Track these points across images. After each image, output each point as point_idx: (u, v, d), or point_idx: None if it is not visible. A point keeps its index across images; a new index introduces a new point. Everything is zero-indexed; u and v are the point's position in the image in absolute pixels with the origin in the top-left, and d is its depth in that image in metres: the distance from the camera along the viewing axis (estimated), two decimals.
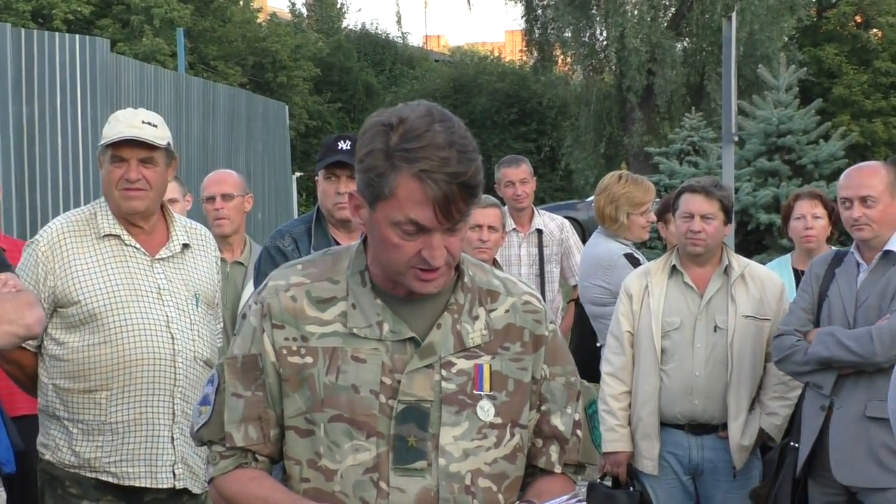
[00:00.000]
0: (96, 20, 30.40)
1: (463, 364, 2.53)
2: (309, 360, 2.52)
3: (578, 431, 2.71)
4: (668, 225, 6.49)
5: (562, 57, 35.32)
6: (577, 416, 2.70)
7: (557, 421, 2.66)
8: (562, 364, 2.69)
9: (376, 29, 46.62)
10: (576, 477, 2.75)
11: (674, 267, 5.32)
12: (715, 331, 5.20)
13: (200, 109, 14.26)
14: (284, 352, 2.53)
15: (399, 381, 2.48)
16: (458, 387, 2.52)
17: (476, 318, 2.57)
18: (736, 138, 9.87)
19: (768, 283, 5.31)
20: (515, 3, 34.90)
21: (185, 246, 4.41)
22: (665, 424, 5.27)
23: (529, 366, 2.61)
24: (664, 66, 30.70)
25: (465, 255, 2.62)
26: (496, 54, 48.79)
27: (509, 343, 2.59)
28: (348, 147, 4.88)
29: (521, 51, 39.29)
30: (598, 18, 32.40)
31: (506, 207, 7.11)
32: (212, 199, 6.30)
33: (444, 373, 2.51)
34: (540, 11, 34.37)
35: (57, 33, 10.75)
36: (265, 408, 2.56)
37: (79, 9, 29.78)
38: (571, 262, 7.55)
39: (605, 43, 32.63)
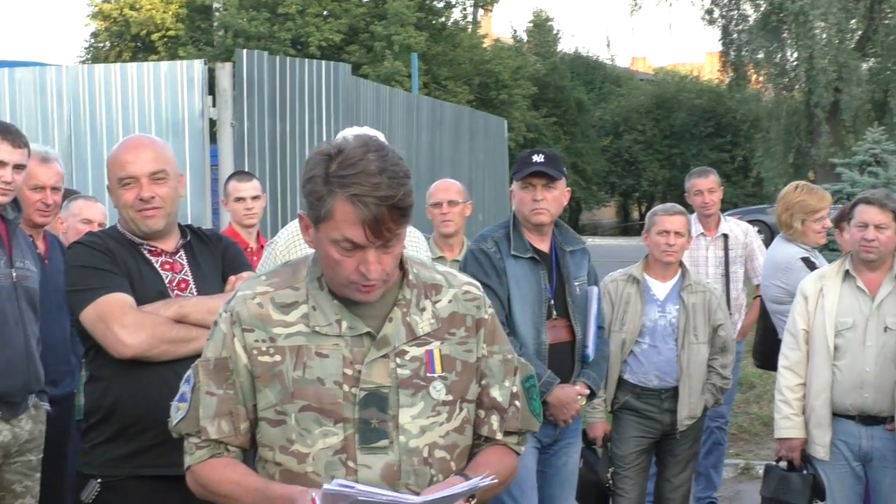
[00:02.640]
0: (345, 46, 31.22)
1: (415, 351, 2.55)
2: (278, 358, 2.52)
3: (517, 402, 2.71)
4: (843, 232, 6.26)
5: (755, 76, 34.73)
6: (514, 389, 2.71)
7: (496, 393, 2.67)
8: (499, 343, 2.70)
9: (588, 52, 46.64)
10: (518, 446, 2.75)
11: (847, 272, 5.13)
12: (885, 331, 4.99)
13: (429, 124, 14.45)
14: (255, 352, 2.53)
15: (359, 371, 2.50)
16: (412, 371, 2.53)
17: (423, 309, 2.58)
18: None
19: None
20: (713, 27, 34.44)
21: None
22: (836, 415, 5.09)
23: (474, 347, 2.64)
24: (850, 84, 29.79)
25: (408, 254, 2.63)
26: (695, 74, 48.15)
27: (455, 329, 2.61)
28: (542, 160, 4.85)
29: (718, 70, 38.70)
30: (788, 41, 31.70)
31: (694, 214, 6.99)
32: (439, 204, 6.47)
33: (398, 360, 2.52)
34: (735, 35, 33.89)
35: (306, 59, 10.99)
36: (236, 404, 2.57)
37: (331, 37, 30.65)
38: (755, 264, 7.39)
39: (794, 63, 31.91)
